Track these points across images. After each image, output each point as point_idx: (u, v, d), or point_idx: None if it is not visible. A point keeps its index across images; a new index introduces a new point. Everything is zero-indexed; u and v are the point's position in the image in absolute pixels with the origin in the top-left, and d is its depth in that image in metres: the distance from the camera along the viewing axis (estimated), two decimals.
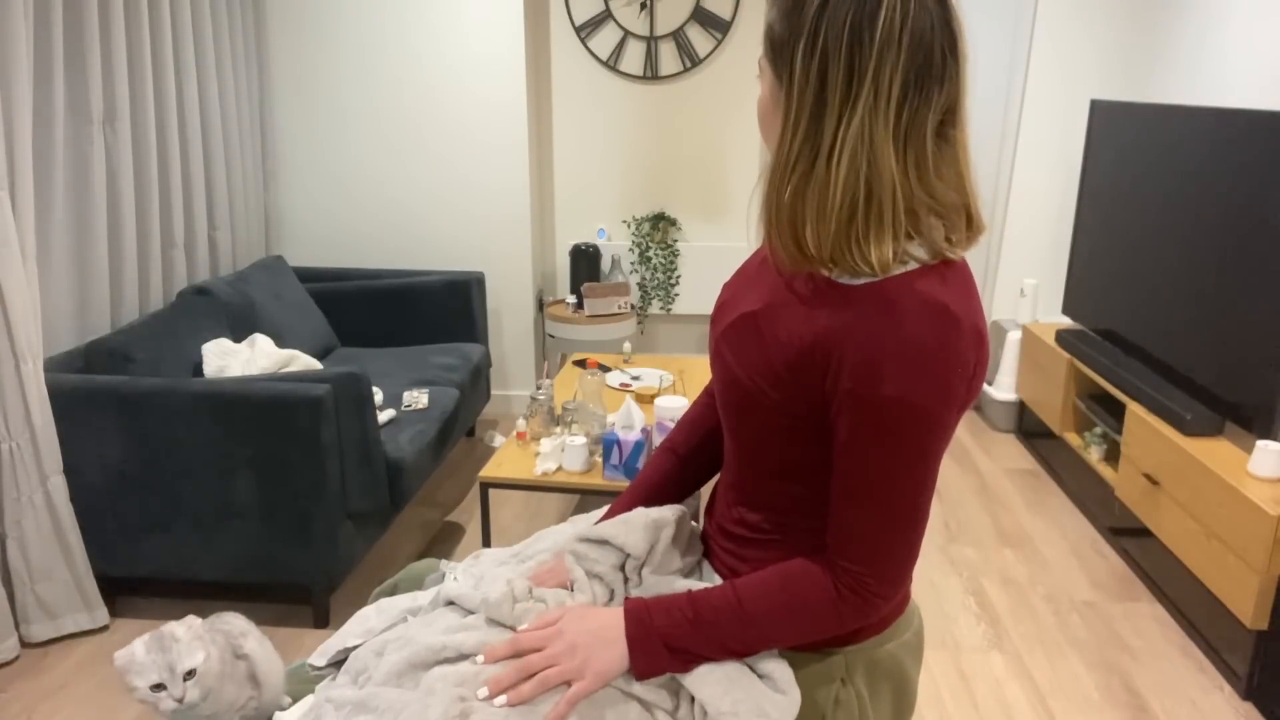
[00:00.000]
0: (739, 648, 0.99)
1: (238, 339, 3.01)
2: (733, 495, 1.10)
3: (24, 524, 2.41)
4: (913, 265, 0.90)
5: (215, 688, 1.11)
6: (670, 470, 1.24)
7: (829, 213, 0.88)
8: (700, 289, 4.19)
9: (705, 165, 4.14)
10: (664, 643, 0.98)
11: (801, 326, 0.94)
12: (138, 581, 2.68)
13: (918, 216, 0.90)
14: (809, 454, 0.98)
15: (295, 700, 1.25)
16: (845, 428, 0.91)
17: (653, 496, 1.22)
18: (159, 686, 1.05)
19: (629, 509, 1.19)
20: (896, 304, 0.87)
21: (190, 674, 1.07)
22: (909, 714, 1.14)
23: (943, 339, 0.86)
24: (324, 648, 1.23)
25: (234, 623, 1.21)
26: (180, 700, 1.06)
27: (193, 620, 1.13)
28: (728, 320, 1.04)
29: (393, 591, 1.33)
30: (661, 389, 3.04)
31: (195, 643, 1.09)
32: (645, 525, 1.10)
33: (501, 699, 0.95)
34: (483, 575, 1.16)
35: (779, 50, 0.89)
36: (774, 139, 0.93)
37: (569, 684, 0.96)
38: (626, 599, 1.03)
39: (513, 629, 1.03)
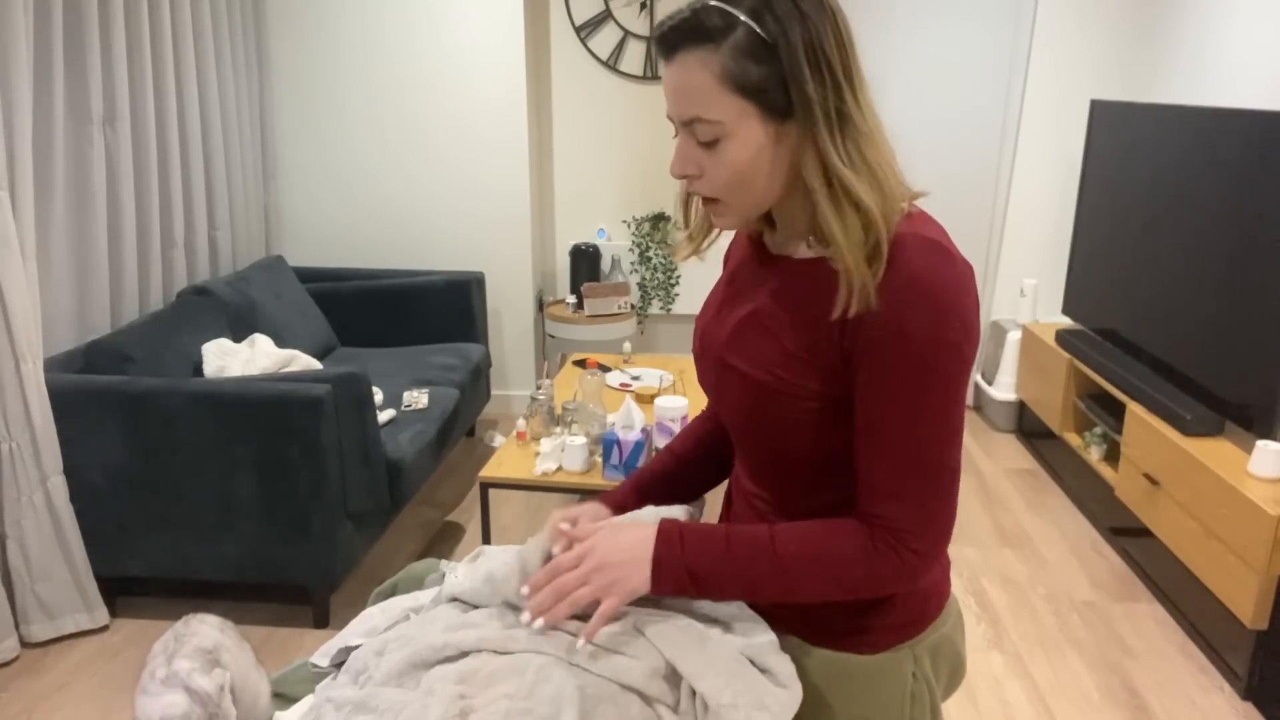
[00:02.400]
0: (764, 590, 0.98)
1: (238, 339, 3.01)
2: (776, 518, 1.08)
3: (24, 524, 2.41)
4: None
5: (235, 664, 1.11)
6: (669, 468, 1.25)
7: (885, 185, 0.92)
8: (700, 289, 4.19)
9: None
10: (689, 569, 0.98)
11: (810, 304, 0.95)
12: (138, 581, 2.68)
13: None
14: (849, 438, 0.98)
15: (295, 700, 1.25)
16: (870, 379, 0.91)
17: (649, 489, 1.23)
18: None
19: (626, 498, 1.20)
20: (902, 253, 0.90)
21: (221, 688, 1.07)
22: (958, 685, 1.15)
23: (949, 272, 0.90)
24: (326, 647, 1.23)
25: (206, 636, 1.17)
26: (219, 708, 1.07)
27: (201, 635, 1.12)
28: (726, 333, 1.04)
29: (393, 591, 1.33)
30: (661, 389, 3.04)
31: (200, 653, 1.09)
32: (655, 518, 1.11)
33: (539, 622, 0.98)
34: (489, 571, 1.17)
35: (764, 90, 0.90)
36: (779, 175, 0.94)
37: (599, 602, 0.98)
38: (663, 520, 1.02)
39: (517, 608, 1.04)
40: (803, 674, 1.03)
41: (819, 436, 0.98)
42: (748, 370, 0.99)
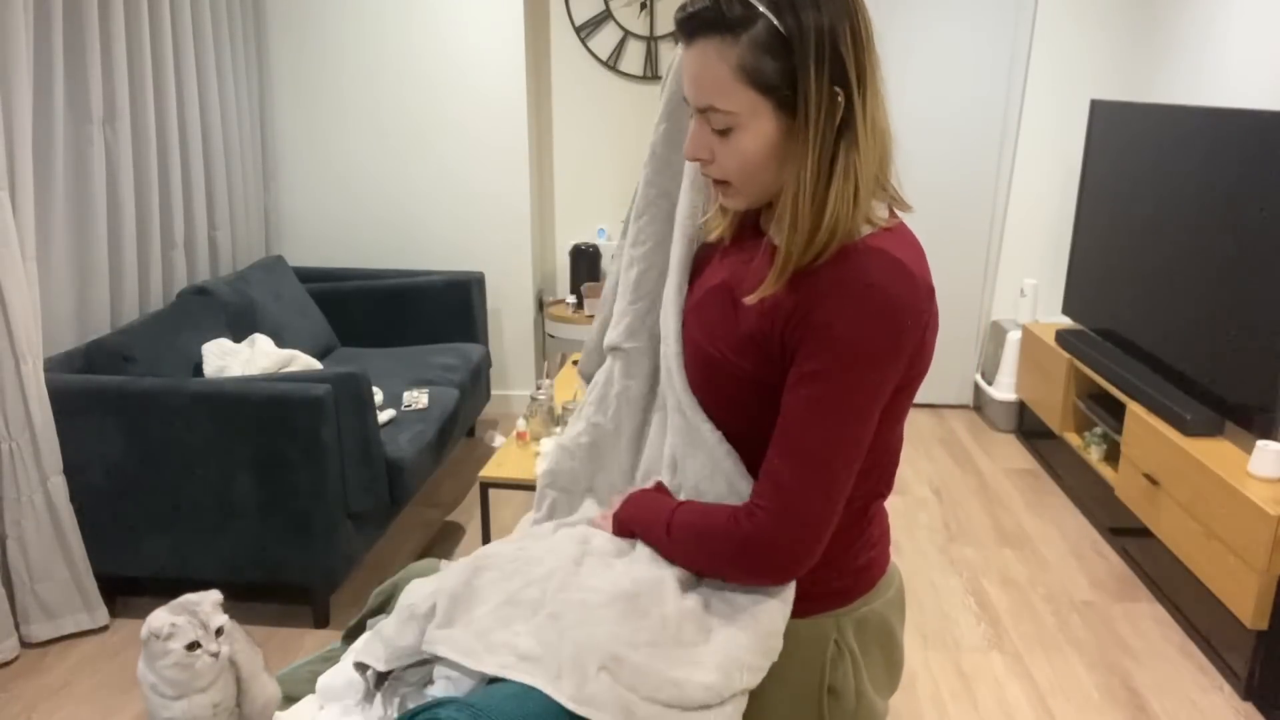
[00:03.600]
0: (666, 553, 1.09)
1: (238, 339, 3.01)
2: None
3: (24, 524, 2.41)
4: (867, 229, 0.97)
5: (224, 670, 1.11)
6: None
7: (860, 194, 0.94)
8: None
9: None
10: (625, 525, 1.15)
11: (774, 294, 0.98)
12: (138, 581, 2.67)
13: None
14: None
15: (296, 700, 1.25)
16: (795, 368, 0.96)
17: None
18: (194, 645, 1.06)
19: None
20: (860, 260, 0.93)
21: (220, 631, 1.08)
22: (899, 670, 1.19)
23: (898, 288, 0.92)
24: (330, 683, 1.20)
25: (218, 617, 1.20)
26: (216, 655, 1.07)
27: (213, 594, 1.13)
28: (695, 297, 1.09)
29: (393, 591, 1.33)
30: None
31: (217, 606, 1.11)
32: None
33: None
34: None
35: (778, 86, 0.92)
36: (792, 162, 0.95)
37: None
38: (633, 493, 1.18)
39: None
40: None
41: (756, 418, 1.02)
42: (702, 341, 1.05)
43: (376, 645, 1.08)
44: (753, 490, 1.01)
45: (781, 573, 1.01)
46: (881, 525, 1.15)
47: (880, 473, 1.08)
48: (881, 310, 0.91)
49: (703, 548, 1.04)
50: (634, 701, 0.93)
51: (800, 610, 1.06)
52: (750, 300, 0.99)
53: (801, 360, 0.95)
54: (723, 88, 0.92)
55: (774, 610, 1.04)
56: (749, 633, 1.02)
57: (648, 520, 1.11)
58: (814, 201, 0.93)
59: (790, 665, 1.07)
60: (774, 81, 0.91)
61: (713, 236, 1.13)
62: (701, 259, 1.16)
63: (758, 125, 0.94)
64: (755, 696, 1.04)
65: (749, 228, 1.11)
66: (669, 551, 1.07)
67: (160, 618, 1.07)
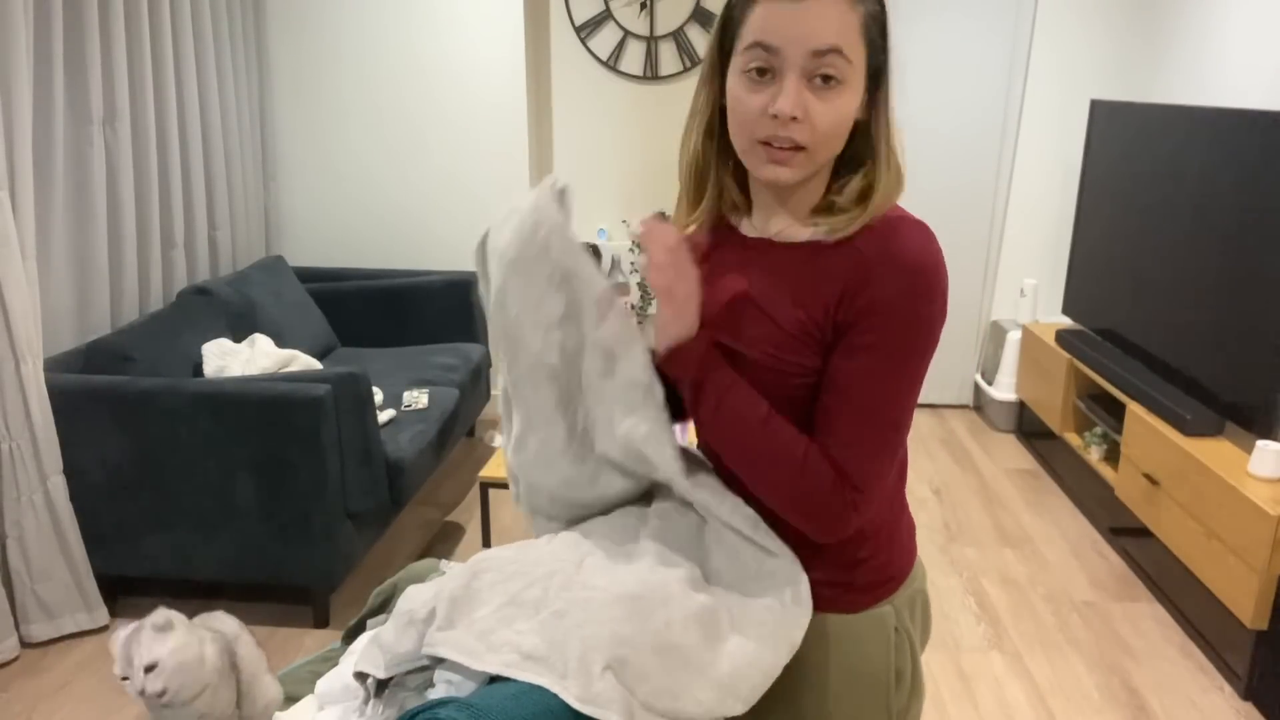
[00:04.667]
0: (727, 447, 1.04)
1: (238, 339, 3.01)
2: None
3: (24, 524, 2.41)
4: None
5: (214, 683, 1.10)
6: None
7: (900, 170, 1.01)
8: None
9: None
10: (698, 369, 1.03)
11: (807, 285, 0.99)
12: (138, 581, 2.67)
13: None
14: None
15: (296, 700, 1.25)
16: (852, 341, 0.97)
17: None
18: (125, 678, 1.06)
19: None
20: (899, 230, 0.97)
21: (150, 667, 1.06)
22: (930, 630, 1.21)
23: (935, 253, 0.97)
24: (328, 688, 1.20)
25: (228, 624, 1.20)
26: (141, 693, 1.06)
27: (175, 615, 1.12)
28: (713, 313, 1.06)
29: (393, 591, 1.33)
30: None
31: (162, 635, 1.08)
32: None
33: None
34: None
35: (877, 53, 0.98)
36: (843, 138, 0.99)
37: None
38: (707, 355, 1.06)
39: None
40: None
41: (802, 409, 1.02)
42: (742, 349, 1.03)
43: (375, 652, 1.08)
44: (818, 439, 1.00)
45: (832, 528, 1.00)
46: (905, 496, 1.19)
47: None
48: (928, 275, 0.95)
49: (778, 472, 1.00)
50: (635, 706, 0.93)
51: (862, 603, 1.08)
52: (822, 233, 1.00)
53: (858, 332, 0.96)
54: (850, 34, 0.93)
55: (794, 620, 1.03)
56: (761, 644, 1.01)
57: (739, 401, 1.03)
58: (892, 164, 0.99)
59: (859, 660, 1.09)
60: (878, 47, 0.97)
61: (690, 229, 1.12)
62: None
63: (856, 85, 0.96)
64: (823, 693, 1.08)
65: (723, 246, 1.10)
66: (748, 436, 1.02)
67: (112, 642, 1.07)
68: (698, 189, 1.10)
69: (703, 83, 1.05)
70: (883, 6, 0.97)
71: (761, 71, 0.95)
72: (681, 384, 1.05)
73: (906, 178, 1.02)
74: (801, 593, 1.04)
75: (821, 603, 1.06)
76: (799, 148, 0.95)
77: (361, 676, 1.10)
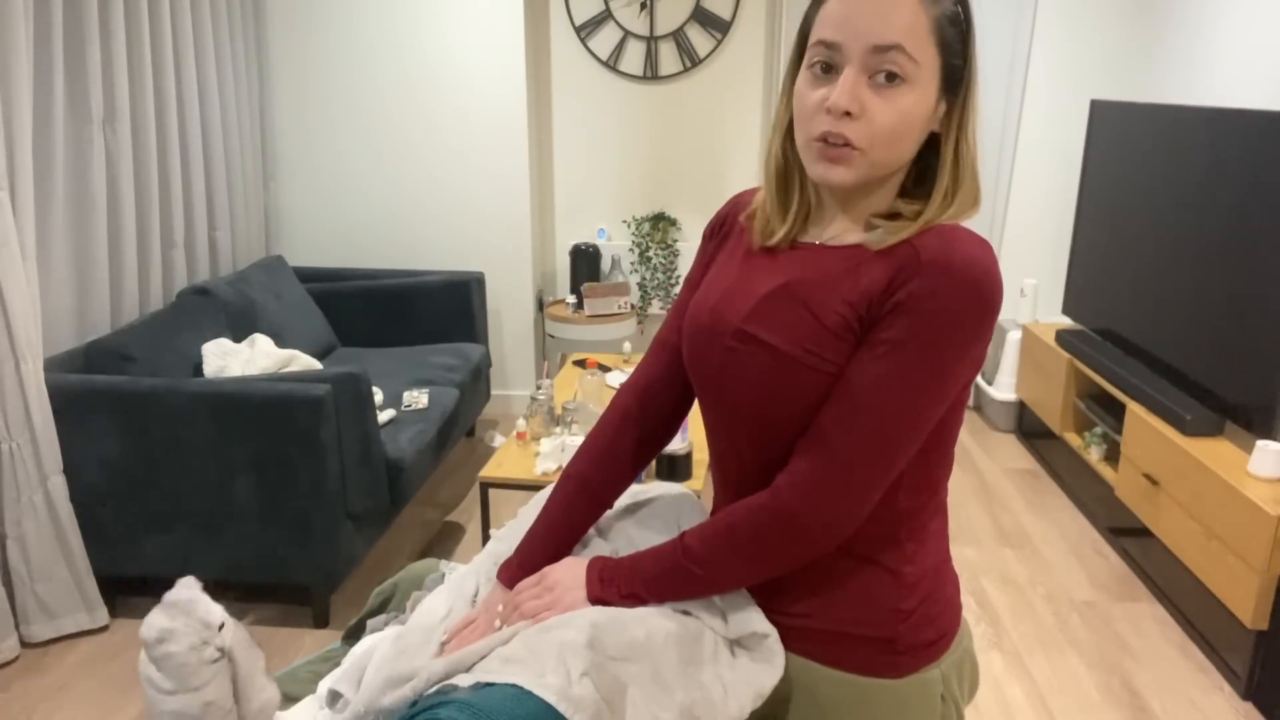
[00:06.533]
0: (691, 590, 1.03)
1: (238, 339, 3.01)
2: None
3: (24, 524, 2.41)
4: None
5: (242, 664, 1.11)
6: (587, 508, 1.18)
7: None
8: None
9: (705, 165, 4.14)
10: (620, 595, 1.05)
11: (849, 283, 0.95)
12: (138, 581, 2.67)
13: None
14: None
15: (296, 700, 1.25)
16: (875, 338, 0.92)
17: (563, 540, 1.17)
18: (199, 646, 1.07)
19: (535, 560, 1.16)
20: (954, 234, 0.92)
21: (222, 625, 1.09)
22: (975, 692, 1.16)
23: (992, 265, 0.91)
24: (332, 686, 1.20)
25: (215, 615, 1.19)
26: (222, 650, 1.07)
27: (189, 580, 1.13)
28: (748, 305, 1.00)
29: (392, 591, 1.33)
30: None
31: (206, 596, 1.11)
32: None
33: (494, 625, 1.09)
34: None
35: (953, 56, 0.94)
36: (915, 146, 0.96)
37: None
38: (594, 559, 1.10)
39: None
40: (823, 702, 1.01)
41: (817, 405, 0.97)
42: (775, 342, 0.96)
43: (353, 679, 1.10)
44: (795, 451, 0.96)
45: (811, 541, 0.95)
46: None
47: (946, 465, 1.04)
48: (979, 283, 0.89)
49: (745, 542, 0.97)
50: (605, 714, 0.92)
51: (907, 666, 1.00)
52: (873, 240, 0.96)
53: (884, 326, 0.91)
54: (917, 33, 0.89)
55: (764, 676, 1.00)
56: (731, 686, 0.99)
57: (643, 569, 1.04)
58: (970, 174, 0.96)
59: None
60: (954, 49, 0.92)
61: (775, 240, 1.03)
62: (717, 280, 1.08)
63: (924, 88, 0.91)
64: None
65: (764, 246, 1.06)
66: (700, 578, 1.01)
67: (153, 628, 1.07)
68: (784, 195, 1.04)
69: (783, 90, 1.01)
70: (963, 10, 0.92)
71: (826, 68, 0.92)
72: (625, 602, 1.04)
73: None
74: (777, 655, 1.01)
75: (860, 665, 1.00)
76: (854, 147, 0.91)
77: (335, 696, 1.10)
